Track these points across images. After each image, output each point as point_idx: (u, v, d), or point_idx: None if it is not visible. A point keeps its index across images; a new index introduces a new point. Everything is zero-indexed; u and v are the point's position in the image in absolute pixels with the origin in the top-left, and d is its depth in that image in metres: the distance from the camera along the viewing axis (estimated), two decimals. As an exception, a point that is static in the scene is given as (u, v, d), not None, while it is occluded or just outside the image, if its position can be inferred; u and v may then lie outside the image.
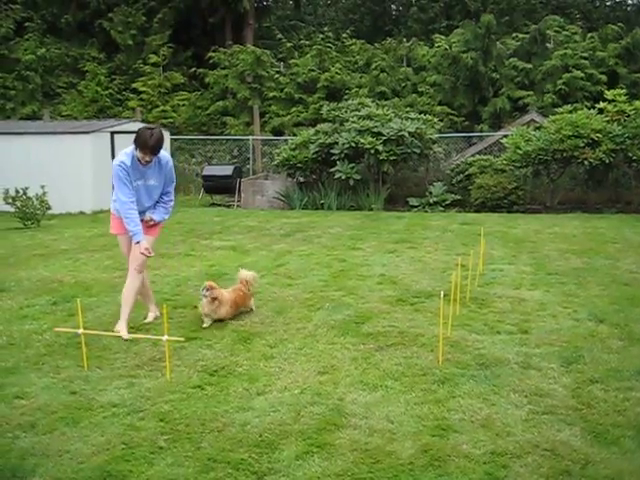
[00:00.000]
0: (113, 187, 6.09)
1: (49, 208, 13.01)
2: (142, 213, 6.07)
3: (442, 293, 5.21)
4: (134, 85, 23.61)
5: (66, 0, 24.73)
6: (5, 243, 10.82)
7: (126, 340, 5.70)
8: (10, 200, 12.75)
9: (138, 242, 5.90)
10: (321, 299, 7.01)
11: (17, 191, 12.82)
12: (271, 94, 22.02)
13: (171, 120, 22.23)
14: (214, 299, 6.02)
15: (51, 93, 24.34)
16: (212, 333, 5.93)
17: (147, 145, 5.78)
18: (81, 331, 5.15)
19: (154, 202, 6.16)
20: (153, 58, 23.64)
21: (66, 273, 8.43)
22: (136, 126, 16.49)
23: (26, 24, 25.04)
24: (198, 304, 6.28)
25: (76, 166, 14.77)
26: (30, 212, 12.74)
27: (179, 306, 6.74)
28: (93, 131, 15.03)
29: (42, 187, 12.85)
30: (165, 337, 4.89)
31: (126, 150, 5.98)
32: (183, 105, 23.23)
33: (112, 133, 15.28)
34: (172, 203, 6.35)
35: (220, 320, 6.13)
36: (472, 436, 3.99)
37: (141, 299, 6.37)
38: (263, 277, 8.02)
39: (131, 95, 23.66)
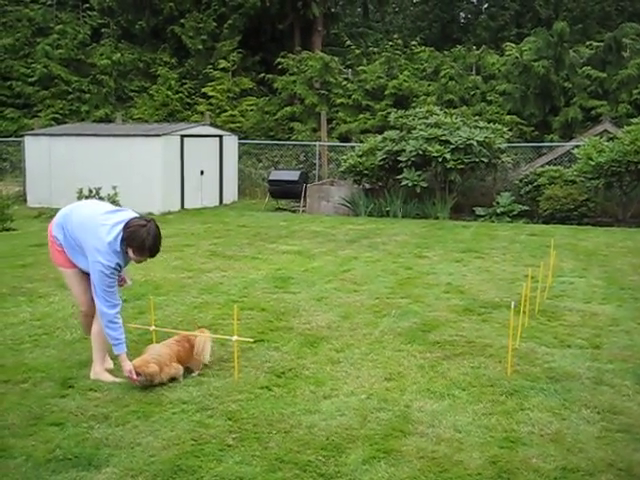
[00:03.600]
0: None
1: (120, 208, 13.33)
2: None
3: (513, 304, 5.14)
4: (204, 90, 24.05)
5: (140, 7, 25.40)
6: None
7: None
8: (83, 199, 13.12)
9: (119, 355, 4.82)
10: (387, 306, 6.99)
11: (90, 190, 13.22)
12: (339, 100, 22.10)
13: (239, 125, 22.57)
14: (151, 376, 4.74)
15: (123, 97, 25.06)
16: (279, 336, 5.98)
17: (144, 247, 4.75)
18: (153, 328, 5.29)
19: None
20: (222, 63, 24.03)
21: (135, 272, 8.60)
22: (205, 130, 16.94)
23: (102, 30, 25.91)
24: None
25: (147, 168, 15.12)
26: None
27: (246, 308, 6.82)
28: (165, 134, 15.35)
29: (114, 187, 13.22)
30: (235, 337, 4.95)
31: (106, 238, 4.66)
32: (251, 110, 23.54)
33: (182, 136, 15.62)
34: None
35: (174, 379, 4.91)
36: (542, 450, 3.91)
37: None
38: (329, 282, 8.08)
39: (200, 99, 24.10)
